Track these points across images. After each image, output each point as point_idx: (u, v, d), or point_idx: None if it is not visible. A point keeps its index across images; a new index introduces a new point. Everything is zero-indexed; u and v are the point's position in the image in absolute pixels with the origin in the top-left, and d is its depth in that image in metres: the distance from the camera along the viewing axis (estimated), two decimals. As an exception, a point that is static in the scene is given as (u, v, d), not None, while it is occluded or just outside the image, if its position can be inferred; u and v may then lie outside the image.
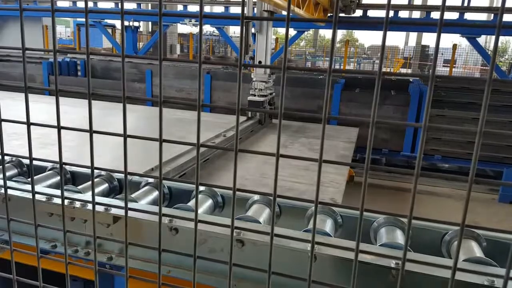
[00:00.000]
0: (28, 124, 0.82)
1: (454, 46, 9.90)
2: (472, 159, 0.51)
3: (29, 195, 1.39)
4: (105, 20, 12.06)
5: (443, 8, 0.48)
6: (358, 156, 5.14)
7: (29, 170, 1.79)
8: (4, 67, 8.56)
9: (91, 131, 0.71)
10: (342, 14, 8.14)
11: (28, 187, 1.42)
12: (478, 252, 1.24)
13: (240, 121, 4.19)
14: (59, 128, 0.73)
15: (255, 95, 5.12)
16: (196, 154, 0.56)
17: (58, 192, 1.45)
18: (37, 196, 1.38)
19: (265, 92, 5.19)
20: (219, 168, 3.30)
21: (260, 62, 4.99)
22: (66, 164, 0.82)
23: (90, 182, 1.61)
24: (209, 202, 1.64)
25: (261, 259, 1.24)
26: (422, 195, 5.00)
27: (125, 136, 0.68)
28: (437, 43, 0.48)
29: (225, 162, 3.49)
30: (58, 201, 1.37)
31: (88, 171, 1.73)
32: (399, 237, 1.35)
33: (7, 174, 1.71)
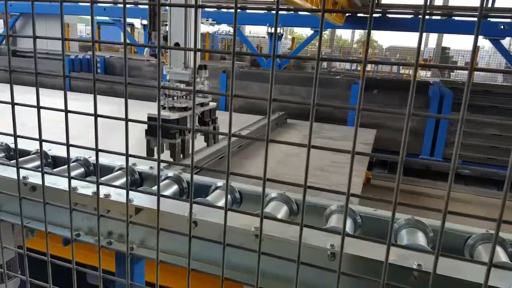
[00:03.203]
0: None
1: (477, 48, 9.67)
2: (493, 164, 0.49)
3: (54, 185, 1.42)
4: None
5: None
6: (374, 158, 5.07)
7: (53, 161, 1.83)
8: (29, 63, 8.78)
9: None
10: (360, 14, 8.07)
11: (54, 177, 1.46)
12: (503, 257, 1.21)
13: (254, 120, 4.13)
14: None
15: (164, 107, 2.78)
16: (228, 143, 0.57)
17: (84, 183, 1.48)
18: (62, 186, 1.42)
19: (187, 102, 2.82)
20: (234, 166, 3.31)
21: (177, 44, 2.82)
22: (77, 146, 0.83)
23: (112, 175, 1.64)
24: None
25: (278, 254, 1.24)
26: (440, 200, 4.91)
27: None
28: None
29: (240, 159, 3.50)
30: (82, 191, 1.40)
31: (111, 164, 1.77)
32: (421, 239, 1.33)
33: (31, 165, 1.76)
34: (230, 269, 1.32)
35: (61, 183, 1.41)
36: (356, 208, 1.46)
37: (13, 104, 0.74)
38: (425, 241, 1.35)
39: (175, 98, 2.77)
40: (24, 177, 1.51)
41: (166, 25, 2.88)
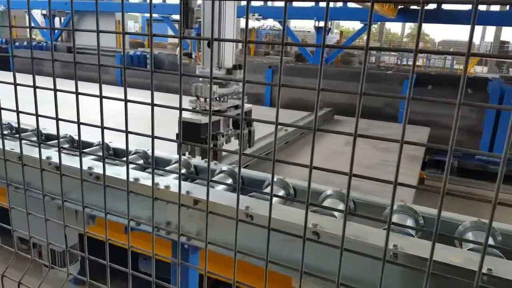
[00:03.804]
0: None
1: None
2: None
3: (119, 176, 1.49)
4: (172, 16, 12.59)
5: None
6: (427, 157, 4.85)
7: (115, 154, 1.92)
8: (83, 59, 9.31)
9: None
10: (413, 7, 7.70)
11: (117, 168, 1.53)
12: None
13: (301, 116, 4.08)
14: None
15: (196, 109, 2.47)
16: (312, 137, 0.56)
17: (145, 174, 1.53)
18: (125, 177, 1.48)
19: (220, 105, 2.57)
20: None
21: (209, 43, 2.41)
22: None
23: (170, 167, 1.69)
24: (281, 193, 1.65)
25: (336, 252, 1.22)
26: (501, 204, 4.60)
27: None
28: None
29: (288, 155, 3.49)
30: (143, 182, 1.46)
31: (167, 157, 1.83)
32: (489, 242, 1.25)
33: (94, 156, 1.86)
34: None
35: (124, 174, 1.47)
36: (417, 209, 1.40)
37: (101, 97, 0.78)
38: (494, 244, 1.27)
39: (207, 100, 2.45)
40: (89, 167, 1.60)
41: (200, 21, 2.58)
